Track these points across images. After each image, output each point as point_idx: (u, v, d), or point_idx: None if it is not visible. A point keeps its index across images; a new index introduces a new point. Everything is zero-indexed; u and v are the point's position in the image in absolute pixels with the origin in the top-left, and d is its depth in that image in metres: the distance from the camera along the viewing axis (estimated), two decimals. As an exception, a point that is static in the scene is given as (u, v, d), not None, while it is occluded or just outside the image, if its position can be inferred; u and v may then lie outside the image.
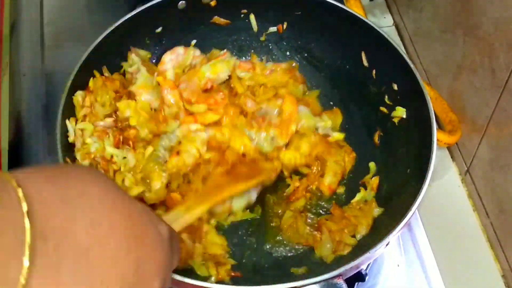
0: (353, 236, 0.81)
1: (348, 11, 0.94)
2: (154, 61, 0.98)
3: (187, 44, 0.98)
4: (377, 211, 0.82)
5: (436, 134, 0.79)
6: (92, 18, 1.22)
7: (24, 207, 0.38)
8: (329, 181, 0.88)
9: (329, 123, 0.93)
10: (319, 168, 0.89)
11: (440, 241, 0.93)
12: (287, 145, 0.89)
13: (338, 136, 0.93)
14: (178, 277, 0.66)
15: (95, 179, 0.45)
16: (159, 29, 0.96)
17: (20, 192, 0.39)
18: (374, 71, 0.94)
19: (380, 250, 0.70)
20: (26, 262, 0.37)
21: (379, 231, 0.78)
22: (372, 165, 0.90)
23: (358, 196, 0.87)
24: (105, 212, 0.43)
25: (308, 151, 0.89)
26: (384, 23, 1.23)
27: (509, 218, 0.88)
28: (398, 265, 0.90)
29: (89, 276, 0.40)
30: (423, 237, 0.93)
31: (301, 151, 0.88)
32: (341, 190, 0.89)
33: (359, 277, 0.85)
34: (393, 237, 0.71)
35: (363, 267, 0.81)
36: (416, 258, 0.91)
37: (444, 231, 0.95)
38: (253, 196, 0.85)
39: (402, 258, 0.91)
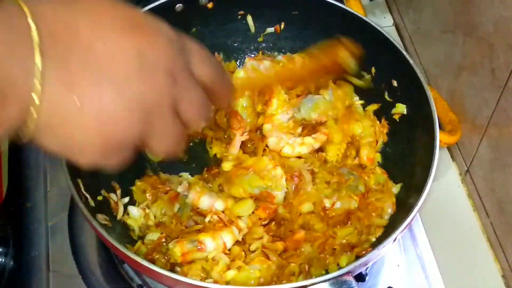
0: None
1: (346, 9, 0.94)
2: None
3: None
4: (395, 188, 0.85)
5: (438, 131, 0.79)
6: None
7: (27, 11, 0.42)
8: (366, 153, 0.90)
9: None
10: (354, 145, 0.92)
11: (440, 241, 0.93)
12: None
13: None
14: (176, 277, 0.66)
15: None
16: None
17: (26, 9, 0.42)
18: (373, 69, 0.95)
19: (388, 246, 0.71)
20: (38, 59, 0.41)
21: (403, 208, 0.80)
22: (377, 155, 0.92)
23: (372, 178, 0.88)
24: (106, 10, 0.47)
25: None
26: (384, 23, 1.23)
27: (509, 218, 0.88)
28: (398, 265, 0.90)
29: (96, 68, 0.44)
30: (423, 237, 0.93)
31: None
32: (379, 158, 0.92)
33: (359, 277, 0.85)
34: (401, 234, 0.72)
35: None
36: (416, 258, 0.91)
37: (444, 231, 0.95)
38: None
39: (402, 258, 0.91)
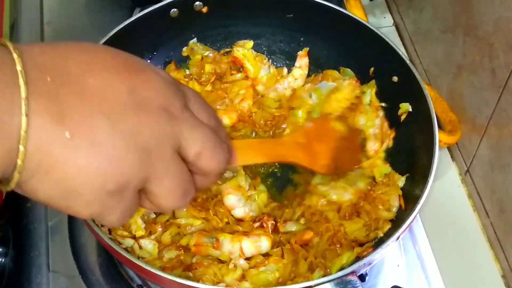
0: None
1: (340, 11, 0.94)
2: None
3: (179, 52, 1.00)
4: (402, 181, 0.85)
5: (437, 133, 0.79)
6: (92, 18, 1.22)
7: (11, 46, 0.40)
8: (373, 146, 0.90)
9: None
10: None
11: (440, 241, 0.93)
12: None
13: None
14: (173, 278, 0.66)
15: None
16: (152, 39, 0.97)
17: (10, 45, 0.40)
18: (372, 70, 0.95)
19: (391, 245, 0.71)
20: (23, 91, 0.38)
21: (409, 201, 0.80)
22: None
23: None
24: (97, 51, 0.44)
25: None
26: (384, 23, 1.23)
27: (509, 218, 0.88)
28: (398, 265, 0.90)
29: (87, 101, 0.41)
30: (423, 237, 0.93)
31: None
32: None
33: (359, 277, 0.85)
34: (403, 233, 0.72)
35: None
36: (416, 258, 0.91)
37: (444, 231, 0.95)
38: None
39: (402, 258, 0.91)
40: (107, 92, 0.42)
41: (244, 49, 0.99)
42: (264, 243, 0.79)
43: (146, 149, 0.42)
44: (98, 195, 0.41)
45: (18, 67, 0.38)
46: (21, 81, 0.38)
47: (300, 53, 1.01)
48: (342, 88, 0.94)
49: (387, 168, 0.88)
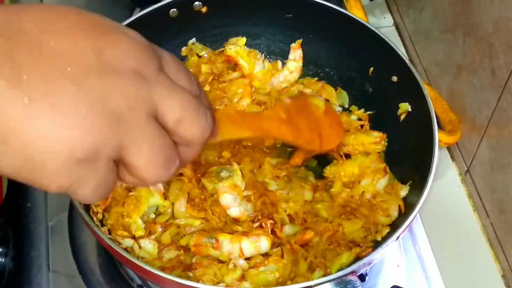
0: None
1: (339, 10, 0.94)
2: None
3: (179, 52, 1.00)
4: (404, 190, 0.83)
5: (437, 133, 0.79)
6: (92, 18, 1.22)
7: None
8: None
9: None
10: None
11: (440, 241, 0.93)
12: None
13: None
14: (173, 278, 0.66)
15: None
16: (152, 39, 0.97)
17: None
18: (371, 69, 0.95)
19: (391, 245, 0.71)
20: None
21: (409, 201, 0.80)
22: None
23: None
24: (58, 10, 0.40)
25: None
26: (384, 23, 1.23)
27: (509, 218, 0.88)
28: (398, 265, 0.90)
29: (48, 63, 0.37)
30: (423, 237, 0.93)
31: None
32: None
33: (359, 277, 0.85)
34: (403, 233, 0.72)
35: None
36: (416, 258, 0.91)
37: (444, 231, 0.95)
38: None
39: (402, 258, 0.91)
40: (70, 53, 0.38)
41: (236, 46, 0.99)
42: (264, 243, 0.79)
43: (116, 113, 0.38)
44: (64, 164, 0.37)
45: None
46: None
47: (293, 45, 1.01)
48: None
49: (391, 178, 0.87)
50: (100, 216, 0.79)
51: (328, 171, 0.88)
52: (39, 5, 0.40)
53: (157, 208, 0.84)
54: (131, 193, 0.81)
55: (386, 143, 0.91)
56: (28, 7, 0.39)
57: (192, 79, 0.46)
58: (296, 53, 1.01)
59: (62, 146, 0.37)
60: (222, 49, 1.01)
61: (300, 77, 1.01)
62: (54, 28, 0.38)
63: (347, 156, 0.90)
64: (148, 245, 0.79)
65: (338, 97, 0.98)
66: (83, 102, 0.37)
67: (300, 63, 1.00)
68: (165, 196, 0.84)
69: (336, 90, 0.99)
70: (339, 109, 0.98)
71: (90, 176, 0.39)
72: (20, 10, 0.38)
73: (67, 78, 0.37)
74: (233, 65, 1.00)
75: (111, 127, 0.38)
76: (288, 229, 0.82)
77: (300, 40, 1.00)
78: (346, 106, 0.98)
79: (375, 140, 0.89)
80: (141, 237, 0.80)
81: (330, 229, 0.81)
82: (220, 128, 0.52)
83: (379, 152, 0.90)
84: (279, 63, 1.01)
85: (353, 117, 0.96)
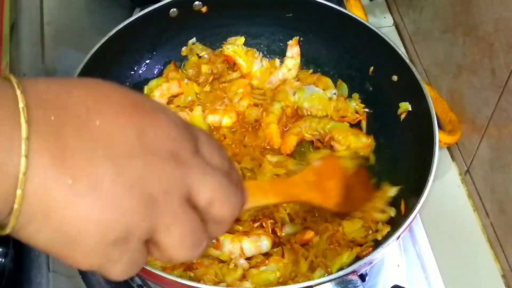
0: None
1: (339, 10, 0.95)
2: (147, 67, 0.98)
3: (179, 51, 1.00)
4: (393, 191, 0.83)
5: (437, 133, 0.79)
6: (92, 18, 1.22)
7: (14, 81, 0.37)
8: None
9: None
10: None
11: (440, 241, 0.93)
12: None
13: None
14: (174, 278, 0.66)
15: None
16: (152, 38, 0.97)
17: (13, 80, 0.37)
18: (371, 69, 0.95)
19: (392, 244, 0.71)
20: (24, 130, 0.35)
21: (409, 201, 0.79)
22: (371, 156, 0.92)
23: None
24: (104, 88, 0.41)
25: None
26: (384, 23, 1.23)
27: (509, 218, 0.88)
28: (398, 265, 0.90)
29: (92, 143, 0.38)
30: (423, 237, 0.93)
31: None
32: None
33: (359, 276, 0.85)
34: (403, 232, 0.72)
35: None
36: (416, 258, 0.91)
37: (444, 231, 0.95)
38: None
39: (402, 258, 0.91)
40: (114, 135, 0.39)
41: (234, 46, 0.99)
42: (265, 242, 0.79)
43: (152, 197, 0.39)
44: (98, 245, 0.38)
45: (21, 104, 0.36)
46: (23, 120, 0.35)
47: (290, 42, 1.01)
48: (323, 99, 0.94)
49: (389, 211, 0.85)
50: None
51: None
52: (87, 80, 0.41)
53: None
54: None
55: (373, 149, 0.91)
56: (78, 82, 0.41)
57: (225, 156, 0.47)
58: (293, 50, 1.01)
59: (98, 227, 0.38)
60: (221, 49, 1.01)
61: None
62: (100, 107, 0.39)
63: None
64: None
65: (338, 89, 0.99)
66: (122, 186, 0.38)
67: (298, 60, 1.01)
68: None
69: (336, 83, 0.99)
70: (334, 92, 0.97)
71: (121, 256, 0.40)
72: (70, 84, 0.40)
73: (109, 159, 0.38)
74: (232, 65, 1.00)
75: (145, 210, 0.39)
76: (288, 229, 0.82)
77: (297, 37, 1.00)
78: (346, 96, 0.98)
79: (361, 145, 0.89)
80: None
81: (330, 229, 0.81)
82: (249, 197, 0.52)
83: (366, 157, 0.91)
84: (277, 61, 1.01)
85: (353, 104, 0.96)
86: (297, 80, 0.99)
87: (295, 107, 0.96)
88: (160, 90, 0.95)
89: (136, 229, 0.39)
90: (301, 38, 1.01)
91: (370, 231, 0.81)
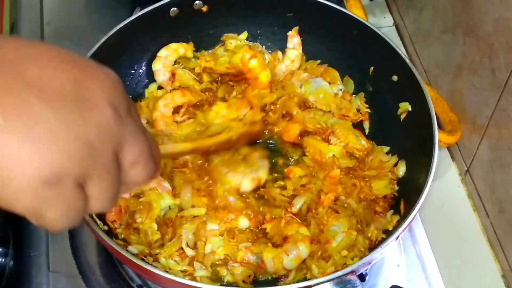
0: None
1: (340, 9, 0.95)
2: (147, 67, 0.98)
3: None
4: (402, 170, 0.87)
5: (437, 133, 0.79)
6: (92, 18, 1.22)
7: None
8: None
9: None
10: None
11: (440, 241, 0.93)
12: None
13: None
14: (173, 278, 0.66)
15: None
16: (152, 37, 0.97)
17: None
18: (371, 69, 0.95)
19: (391, 244, 0.71)
20: None
21: (409, 201, 0.79)
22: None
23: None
24: (40, 45, 0.41)
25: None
26: (384, 23, 1.23)
27: (509, 218, 0.88)
28: (398, 265, 0.90)
29: (26, 88, 0.38)
30: (423, 237, 0.93)
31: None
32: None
33: (359, 277, 0.85)
34: (403, 232, 0.72)
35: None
36: (416, 258, 0.91)
37: (444, 231, 0.95)
38: (262, 174, 0.86)
39: (402, 258, 0.91)
40: (50, 81, 0.39)
41: (236, 41, 0.99)
42: (302, 249, 0.79)
43: (88, 142, 0.39)
44: (31, 184, 0.38)
45: None
46: None
47: (290, 33, 1.00)
48: (328, 94, 0.94)
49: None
50: (119, 230, 0.80)
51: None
52: (23, 38, 0.42)
53: (169, 207, 0.84)
54: (141, 199, 0.81)
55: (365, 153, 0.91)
56: (14, 38, 0.41)
57: (144, 127, 0.48)
58: (294, 41, 1.00)
59: (31, 166, 0.38)
60: (221, 44, 1.00)
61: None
62: (36, 58, 0.40)
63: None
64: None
65: (345, 85, 0.98)
66: (57, 126, 0.38)
67: (300, 50, 1.00)
68: (175, 195, 0.84)
69: (343, 78, 0.99)
70: (341, 88, 0.97)
71: (56, 200, 0.39)
72: (4, 39, 0.40)
73: (44, 101, 0.38)
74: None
75: (81, 154, 0.39)
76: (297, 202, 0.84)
77: (297, 28, 1.00)
78: (352, 93, 0.98)
79: (359, 147, 0.90)
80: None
81: (358, 186, 0.85)
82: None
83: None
84: (279, 53, 1.01)
85: (357, 103, 0.96)
86: (305, 71, 0.99)
87: (302, 99, 0.96)
88: (164, 100, 0.95)
89: (71, 171, 0.39)
90: (302, 38, 1.00)
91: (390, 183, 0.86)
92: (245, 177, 0.84)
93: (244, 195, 0.85)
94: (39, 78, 0.39)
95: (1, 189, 0.38)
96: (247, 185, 0.84)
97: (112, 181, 0.42)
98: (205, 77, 0.98)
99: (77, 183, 0.40)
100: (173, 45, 0.98)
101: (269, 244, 0.80)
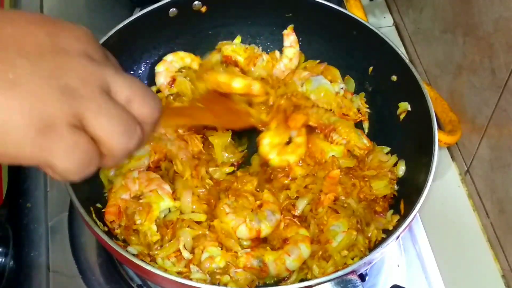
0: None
1: (340, 10, 0.95)
2: (147, 67, 0.98)
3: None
4: (402, 169, 0.87)
5: (437, 133, 0.79)
6: (92, 18, 1.22)
7: None
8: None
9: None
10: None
11: (440, 241, 0.93)
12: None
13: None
14: (173, 278, 0.66)
15: None
16: (152, 38, 0.97)
17: None
18: (371, 69, 0.95)
19: (392, 244, 0.71)
20: None
21: (409, 201, 0.80)
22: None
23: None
24: (16, 11, 0.46)
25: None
26: (384, 23, 1.23)
27: (509, 218, 0.88)
28: (398, 265, 0.90)
29: (3, 45, 0.42)
30: (423, 237, 0.93)
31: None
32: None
33: (359, 276, 0.85)
34: (403, 232, 0.72)
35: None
36: (416, 258, 0.91)
37: (444, 231, 0.95)
38: (264, 227, 0.83)
39: (402, 258, 0.91)
40: (25, 38, 0.43)
41: (232, 45, 0.99)
42: (303, 249, 0.78)
43: (69, 87, 0.42)
44: (27, 134, 0.41)
45: None
46: None
47: (285, 31, 1.00)
48: (329, 92, 0.94)
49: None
50: (118, 231, 0.80)
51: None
52: (4, 8, 0.46)
53: (169, 210, 0.84)
54: (141, 201, 0.81)
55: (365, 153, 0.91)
56: None
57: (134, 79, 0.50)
58: (290, 39, 1.00)
59: (22, 117, 0.41)
60: (215, 50, 1.00)
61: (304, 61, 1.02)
62: (12, 19, 0.44)
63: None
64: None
65: (346, 84, 0.98)
66: (39, 77, 0.42)
67: (297, 48, 1.00)
68: (175, 198, 0.84)
69: (344, 77, 0.99)
70: (342, 86, 0.97)
71: (55, 143, 0.42)
72: None
73: (23, 57, 0.42)
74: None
75: (65, 98, 0.42)
76: (300, 206, 0.84)
77: (292, 25, 1.00)
78: (353, 92, 0.98)
79: (361, 146, 0.89)
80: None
81: (357, 186, 0.85)
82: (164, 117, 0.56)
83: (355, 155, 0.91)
84: (277, 52, 1.01)
85: (358, 103, 0.95)
86: (305, 69, 0.99)
87: (304, 97, 0.95)
88: (164, 64, 0.95)
89: (59, 114, 0.42)
90: (301, 38, 1.00)
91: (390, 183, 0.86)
92: (244, 223, 0.81)
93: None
94: (16, 35, 0.42)
95: (3, 144, 0.41)
96: (244, 232, 0.81)
97: (111, 114, 0.44)
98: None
99: (72, 125, 0.43)
100: (181, 53, 0.98)
101: (268, 247, 0.80)
